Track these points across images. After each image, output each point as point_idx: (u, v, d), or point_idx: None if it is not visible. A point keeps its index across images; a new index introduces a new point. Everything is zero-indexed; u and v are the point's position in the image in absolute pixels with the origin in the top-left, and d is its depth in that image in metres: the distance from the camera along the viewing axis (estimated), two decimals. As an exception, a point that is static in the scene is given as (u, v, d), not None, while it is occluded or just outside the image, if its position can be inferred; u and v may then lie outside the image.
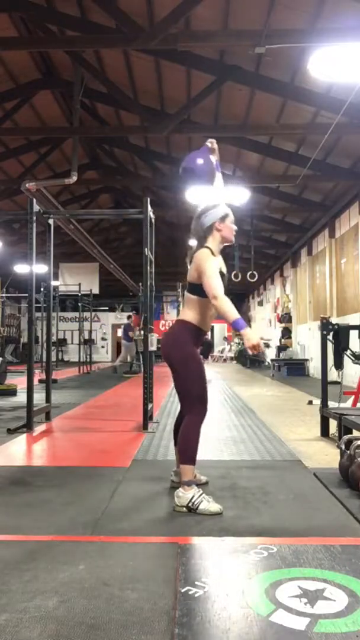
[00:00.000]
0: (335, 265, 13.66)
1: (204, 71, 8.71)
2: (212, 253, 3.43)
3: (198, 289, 3.40)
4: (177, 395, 3.60)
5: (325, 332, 5.86)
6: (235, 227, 3.57)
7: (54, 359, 17.50)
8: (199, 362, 3.47)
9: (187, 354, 3.42)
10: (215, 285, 3.26)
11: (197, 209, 3.60)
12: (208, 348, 19.77)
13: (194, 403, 3.40)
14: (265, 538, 2.78)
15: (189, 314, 3.48)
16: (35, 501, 3.48)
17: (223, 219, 3.51)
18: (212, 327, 29.35)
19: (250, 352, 3.19)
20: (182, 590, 2.20)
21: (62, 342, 26.60)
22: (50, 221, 7.02)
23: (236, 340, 26.78)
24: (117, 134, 11.99)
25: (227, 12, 7.27)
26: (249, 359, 21.51)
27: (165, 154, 13.00)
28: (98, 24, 7.89)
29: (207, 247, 3.46)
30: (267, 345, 22.03)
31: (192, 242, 3.72)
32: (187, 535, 2.86)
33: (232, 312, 3.17)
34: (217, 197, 3.69)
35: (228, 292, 3.34)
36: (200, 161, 3.79)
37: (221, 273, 3.41)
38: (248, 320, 32.51)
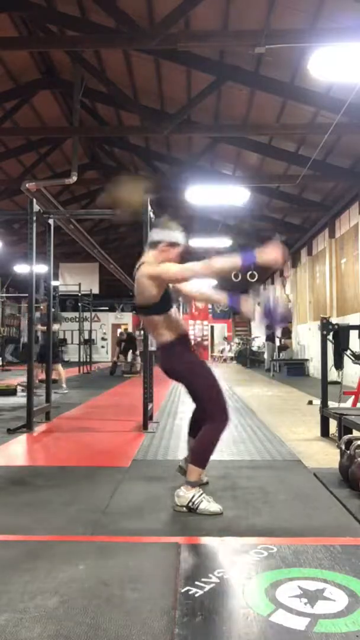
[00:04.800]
0: (335, 265, 13.65)
1: (204, 71, 8.70)
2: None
3: (156, 308, 3.32)
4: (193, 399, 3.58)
5: (325, 332, 5.86)
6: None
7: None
8: (206, 369, 3.44)
9: (189, 364, 3.39)
10: (190, 268, 3.17)
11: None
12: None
13: (214, 411, 3.36)
14: (265, 538, 2.78)
15: (164, 336, 3.36)
16: (35, 501, 3.48)
17: (172, 245, 3.38)
18: (212, 327, 29.47)
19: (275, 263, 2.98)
20: (182, 590, 2.20)
21: (62, 342, 26.56)
22: (50, 221, 7.02)
23: (236, 340, 26.75)
24: (117, 134, 11.99)
25: (227, 12, 7.27)
26: (249, 359, 21.49)
27: (165, 154, 13.00)
28: (98, 24, 7.88)
29: (145, 262, 3.35)
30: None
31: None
32: (187, 535, 2.86)
33: (231, 260, 3.07)
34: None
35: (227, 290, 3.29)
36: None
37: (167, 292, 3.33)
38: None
